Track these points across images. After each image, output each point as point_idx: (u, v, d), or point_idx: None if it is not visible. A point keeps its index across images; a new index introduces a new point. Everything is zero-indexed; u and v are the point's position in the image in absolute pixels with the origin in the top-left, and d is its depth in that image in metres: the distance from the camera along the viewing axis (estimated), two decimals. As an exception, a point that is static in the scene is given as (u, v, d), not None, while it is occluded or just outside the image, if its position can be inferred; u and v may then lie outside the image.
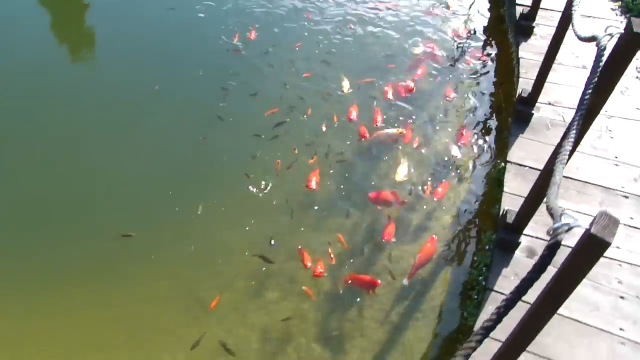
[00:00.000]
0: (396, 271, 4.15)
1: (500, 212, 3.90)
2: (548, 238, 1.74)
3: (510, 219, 3.70)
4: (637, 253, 3.76)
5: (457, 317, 3.88)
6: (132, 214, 4.53)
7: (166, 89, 5.62)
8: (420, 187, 4.69)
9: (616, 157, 4.42)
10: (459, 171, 4.83)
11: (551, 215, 1.86)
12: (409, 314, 3.93)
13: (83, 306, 3.93)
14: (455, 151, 4.95)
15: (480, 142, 5.15)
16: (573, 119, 2.29)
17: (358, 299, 3.98)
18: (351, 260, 4.22)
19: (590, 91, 2.32)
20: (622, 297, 3.59)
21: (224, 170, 4.88)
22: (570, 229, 1.72)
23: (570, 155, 2.29)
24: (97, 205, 4.61)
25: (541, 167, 4.14)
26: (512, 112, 4.93)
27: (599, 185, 4.16)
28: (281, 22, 6.63)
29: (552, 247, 1.73)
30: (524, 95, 4.60)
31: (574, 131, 2.18)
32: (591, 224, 1.69)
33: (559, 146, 2.67)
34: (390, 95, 5.49)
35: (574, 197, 4.08)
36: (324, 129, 5.21)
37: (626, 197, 4.08)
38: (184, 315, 3.88)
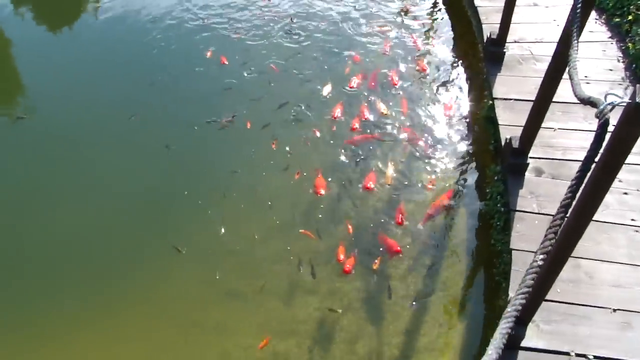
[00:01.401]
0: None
1: (504, 141, 4.24)
2: (595, 122, 1.96)
3: (515, 144, 4.04)
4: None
5: (484, 244, 4.20)
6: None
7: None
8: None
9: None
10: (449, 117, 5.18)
11: (590, 103, 2.08)
12: (438, 255, 4.22)
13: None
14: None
15: (458, 92, 5.52)
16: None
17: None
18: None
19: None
20: (625, 193, 4.00)
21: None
22: (614, 106, 1.89)
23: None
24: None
25: (524, 97, 4.54)
26: (479, 57, 5.30)
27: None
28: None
29: (603, 125, 1.92)
30: (494, 37, 4.97)
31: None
32: (632, 97, 1.90)
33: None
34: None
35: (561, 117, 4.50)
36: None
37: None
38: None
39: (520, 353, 3.29)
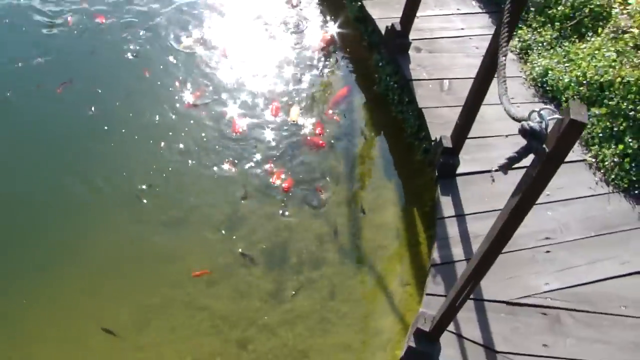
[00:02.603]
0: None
1: (384, 29, 4.96)
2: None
3: (397, 27, 4.81)
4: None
5: (388, 117, 4.96)
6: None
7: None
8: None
9: None
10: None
11: (519, 121, 2.25)
12: (351, 135, 4.87)
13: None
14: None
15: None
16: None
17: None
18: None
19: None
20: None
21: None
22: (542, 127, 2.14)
23: None
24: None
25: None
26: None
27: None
28: None
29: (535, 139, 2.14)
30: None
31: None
32: (567, 113, 2.06)
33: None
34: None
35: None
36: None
37: None
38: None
39: (457, 179, 4.15)
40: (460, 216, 3.96)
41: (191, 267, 3.95)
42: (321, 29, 5.75)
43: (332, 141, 4.79)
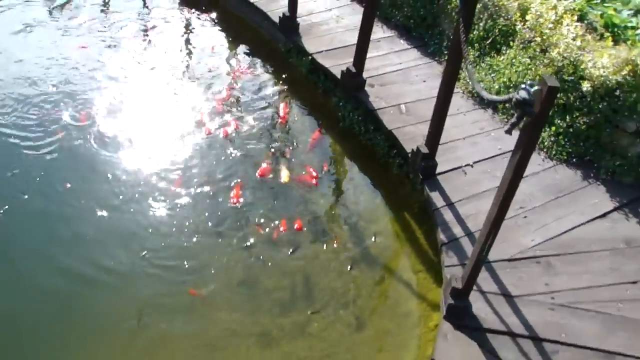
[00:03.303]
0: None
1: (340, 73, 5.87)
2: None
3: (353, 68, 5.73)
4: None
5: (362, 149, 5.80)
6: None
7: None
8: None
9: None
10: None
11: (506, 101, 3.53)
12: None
13: None
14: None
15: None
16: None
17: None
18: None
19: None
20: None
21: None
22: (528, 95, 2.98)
23: None
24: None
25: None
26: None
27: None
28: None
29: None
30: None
31: None
32: (544, 83, 2.88)
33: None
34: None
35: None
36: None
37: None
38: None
39: (438, 177, 5.00)
40: (450, 204, 4.78)
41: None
42: (280, 96, 6.50)
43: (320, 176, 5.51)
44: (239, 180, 5.32)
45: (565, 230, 4.67)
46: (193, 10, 7.84)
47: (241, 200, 5.14)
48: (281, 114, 6.12)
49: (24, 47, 6.82)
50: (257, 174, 5.41)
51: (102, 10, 7.69)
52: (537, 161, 5.25)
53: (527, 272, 4.31)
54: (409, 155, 5.16)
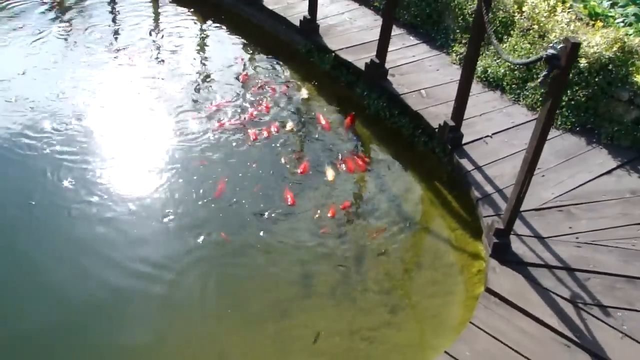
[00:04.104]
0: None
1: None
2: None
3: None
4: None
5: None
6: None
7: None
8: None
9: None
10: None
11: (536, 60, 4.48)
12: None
13: None
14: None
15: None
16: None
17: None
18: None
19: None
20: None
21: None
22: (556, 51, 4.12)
23: None
24: None
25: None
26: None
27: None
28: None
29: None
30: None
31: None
32: (567, 41, 3.64)
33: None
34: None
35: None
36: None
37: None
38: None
39: (464, 147, 5.68)
40: (478, 168, 5.47)
41: None
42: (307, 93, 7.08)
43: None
44: (290, 183, 5.72)
45: (579, 184, 5.39)
46: (210, 22, 8.45)
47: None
48: (313, 111, 6.72)
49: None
50: (299, 171, 5.86)
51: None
52: (546, 131, 5.97)
53: (553, 219, 5.00)
54: (436, 130, 5.84)
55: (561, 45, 3.77)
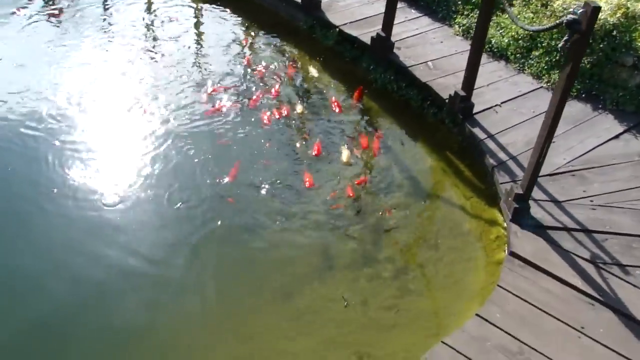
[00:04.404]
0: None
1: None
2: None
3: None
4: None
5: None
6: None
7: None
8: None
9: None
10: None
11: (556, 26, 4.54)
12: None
13: None
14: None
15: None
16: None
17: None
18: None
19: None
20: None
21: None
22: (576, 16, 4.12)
23: None
24: None
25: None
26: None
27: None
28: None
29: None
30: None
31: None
32: (587, 5, 3.71)
33: None
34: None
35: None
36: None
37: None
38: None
39: (475, 116, 5.76)
40: (490, 136, 5.55)
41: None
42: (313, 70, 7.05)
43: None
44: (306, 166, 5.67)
45: (589, 150, 5.50)
46: (207, 3, 8.34)
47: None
48: (322, 91, 6.70)
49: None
50: (313, 153, 5.79)
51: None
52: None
53: (567, 183, 5.11)
54: (446, 101, 5.90)
55: (581, 10, 3.84)
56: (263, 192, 5.38)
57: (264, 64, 7.06)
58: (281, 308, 4.53)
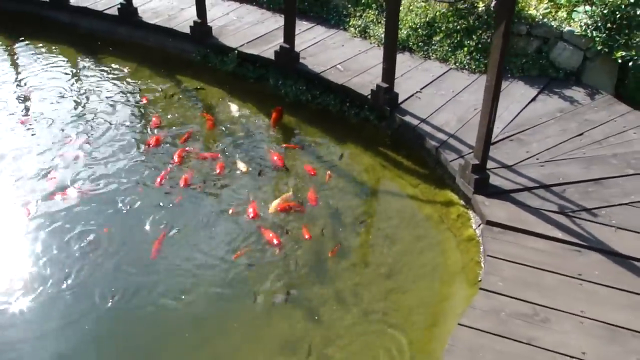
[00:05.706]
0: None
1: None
2: None
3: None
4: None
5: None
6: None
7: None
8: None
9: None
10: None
11: None
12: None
13: None
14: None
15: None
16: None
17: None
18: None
19: None
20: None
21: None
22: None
23: None
24: None
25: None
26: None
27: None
28: None
29: None
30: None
31: None
32: None
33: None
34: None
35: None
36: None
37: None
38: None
39: (401, 105, 5.70)
40: (423, 121, 5.54)
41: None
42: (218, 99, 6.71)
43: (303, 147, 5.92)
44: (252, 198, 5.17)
45: (515, 115, 5.64)
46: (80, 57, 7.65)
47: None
48: (232, 112, 6.34)
49: None
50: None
51: None
52: (465, 79, 6.20)
53: (509, 148, 5.16)
54: (368, 97, 5.79)
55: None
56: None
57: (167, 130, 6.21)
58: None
